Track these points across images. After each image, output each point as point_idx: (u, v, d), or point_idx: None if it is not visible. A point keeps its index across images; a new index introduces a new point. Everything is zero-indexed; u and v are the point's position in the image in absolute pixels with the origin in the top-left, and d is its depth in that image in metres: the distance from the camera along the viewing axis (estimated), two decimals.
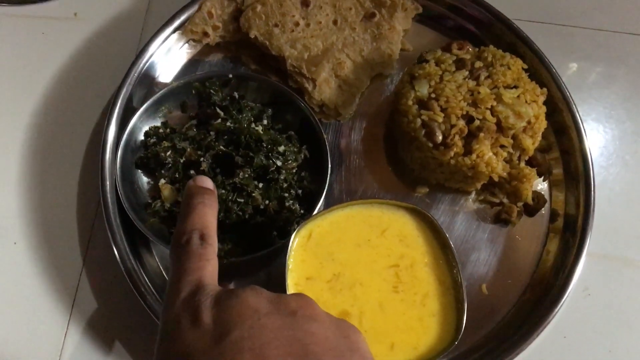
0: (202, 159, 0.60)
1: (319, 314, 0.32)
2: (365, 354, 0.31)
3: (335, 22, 0.70)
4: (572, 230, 0.63)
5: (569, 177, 0.66)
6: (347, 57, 0.70)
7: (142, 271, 0.59)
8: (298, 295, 0.33)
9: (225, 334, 0.29)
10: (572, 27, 0.76)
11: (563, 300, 0.59)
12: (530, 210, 0.65)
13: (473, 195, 0.66)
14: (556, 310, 0.59)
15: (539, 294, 0.61)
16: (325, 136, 0.63)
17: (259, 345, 0.28)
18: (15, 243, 0.63)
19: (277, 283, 0.52)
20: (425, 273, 0.55)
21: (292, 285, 0.53)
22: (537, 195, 0.65)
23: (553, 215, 0.66)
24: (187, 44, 0.71)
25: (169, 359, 0.31)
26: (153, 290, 0.58)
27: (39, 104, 0.69)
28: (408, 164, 0.67)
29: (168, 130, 0.65)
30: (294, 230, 0.54)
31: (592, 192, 0.63)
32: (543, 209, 0.66)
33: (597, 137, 0.70)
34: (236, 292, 0.33)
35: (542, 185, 0.67)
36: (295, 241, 0.54)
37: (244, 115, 0.64)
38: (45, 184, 0.66)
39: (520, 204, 0.65)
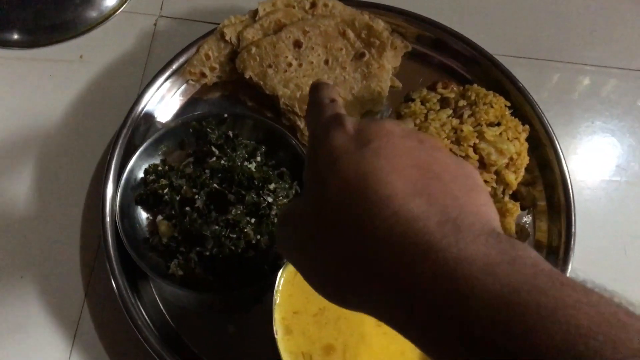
0: (196, 196, 0.64)
1: (443, 148, 0.36)
2: (480, 183, 0.34)
3: (326, 62, 0.74)
4: (554, 262, 0.65)
5: (552, 210, 0.68)
6: (338, 95, 0.73)
7: (139, 305, 0.62)
8: (426, 134, 0.37)
9: (365, 143, 0.33)
10: (558, 62, 0.79)
11: None
12: None
13: None
14: None
15: None
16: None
17: (392, 155, 0.32)
18: (22, 277, 0.66)
19: (268, 317, 0.55)
20: None
21: (280, 319, 0.56)
22: (520, 229, 0.68)
23: (537, 247, 0.68)
24: (186, 84, 0.75)
25: (321, 158, 0.35)
26: (150, 323, 0.61)
27: (45, 142, 0.73)
28: None
29: (166, 167, 0.68)
30: (284, 264, 0.57)
31: (573, 225, 0.65)
32: (527, 241, 0.68)
33: (580, 171, 0.72)
34: (374, 119, 0.37)
35: (526, 218, 0.69)
36: (283, 277, 0.57)
37: (238, 152, 0.67)
38: (50, 219, 0.69)
39: None
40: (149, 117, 0.72)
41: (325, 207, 0.33)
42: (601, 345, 0.22)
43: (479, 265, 0.26)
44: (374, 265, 0.30)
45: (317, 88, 0.43)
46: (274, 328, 0.55)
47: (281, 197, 0.65)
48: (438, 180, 0.31)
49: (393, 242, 0.29)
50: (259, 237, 0.63)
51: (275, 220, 0.64)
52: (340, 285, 0.33)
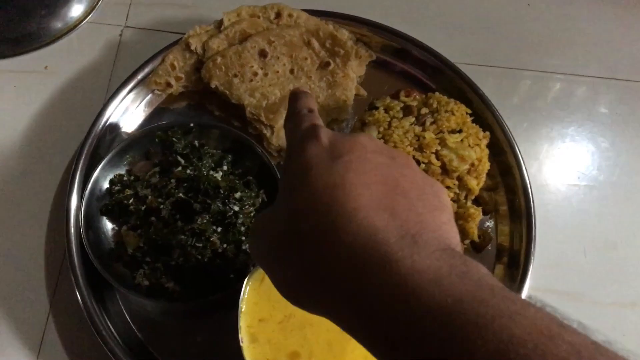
0: (162, 206, 0.64)
1: (413, 165, 0.37)
2: (445, 202, 0.35)
3: (292, 72, 0.74)
4: (516, 265, 0.67)
5: (514, 214, 0.70)
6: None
7: (105, 316, 0.62)
8: (399, 150, 0.39)
9: (338, 156, 0.35)
10: (518, 70, 0.81)
11: None
12: (477, 247, 0.69)
13: None
14: None
15: None
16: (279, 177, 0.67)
17: (362, 170, 0.34)
18: None
19: (234, 325, 0.55)
20: None
21: (245, 327, 0.56)
22: (483, 233, 0.69)
23: (499, 251, 0.69)
24: (151, 94, 0.75)
25: (294, 168, 0.36)
26: (115, 334, 0.61)
27: (9, 153, 0.73)
28: None
29: (132, 178, 0.68)
30: (249, 272, 0.57)
31: (534, 228, 0.67)
32: (489, 245, 0.69)
33: (540, 176, 0.74)
34: (349, 133, 0.38)
35: (489, 223, 0.71)
36: (249, 285, 0.57)
37: (204, 162, 0.68)
38: (15, 230, 0.69)
39: (467, 241, 0.68)
40: (114, 128, 0.72)
41: (294, 216, 0.34)
42: (530, 352, 0.23)
43: (429, 277, 0.27)
44: (335, 275, 0.31)
45: (296, 97, 0.44)
46: (240, 336, 0.55)
47: (247, 206, 0.65)
48: (404, 196, 0.33)
49: (354, 253, 0.30)
50: (225, 245, 0.63)
51: (242, 228, 0.64)
52: (304, 292, 0.34)
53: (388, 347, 0.29)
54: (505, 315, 0.25)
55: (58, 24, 0.80)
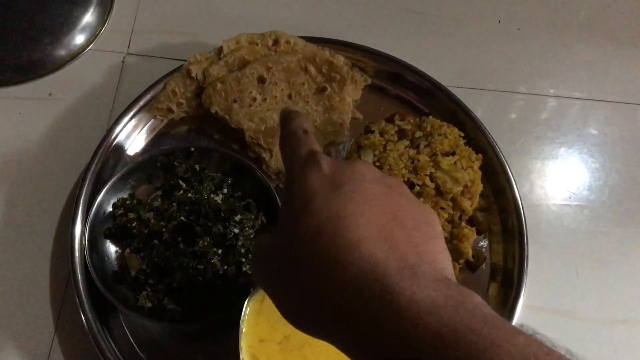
0: (164, 229, 0.65)
1: (408, 193, 0.39)
2: (438, 230, 0.37)
3: (289, 97, 0.77)
4: (509, 284, 0.68)
5: (507, 234, 0.72)
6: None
7: (109, 338, 0.63)
8: (394, 178, 0.40)
9: (339, 185, 0.36)
10: (510, 92, 0.83)
11: None
12: (472, 266, 0.71)
13: None
14: None
15: None
16: (280, 202, 0.69)
17: (362, 200, 0.35)
18: None
19: (236, 345, 0.57)
20: None
21: (246, 347, 0.57)
22: (477, 253, 0.71)
23: (493, 270, 0.71)
24: (153, 119, 0.77)
25: (297, 195, 0.37)
26: (120, 355, 0.63)
27: (14, 179, 0.74)
28: None
29: (135, 201, 0.70)
30: (250, 293, 0.59)
31: (526, 247, 0.69)
32: (484, 264, 0.71)
33: (532, 196, 0.76)
34: (347, 161, 0.40)
35: (483, 242, 0.73)
36: (249, 306, 0.59)
37: (205, 185, 0.70)
38: (20, 255, 0.70)
39: (461, 261, 0.70)
40: (117, 152, 0.74)
41: (297, 244, 0.35)
42: None
43: (426, 307, 0.29)
44: (338, 304, 0.33)
45: (288, 118, 0.46)
46: (241, 357, 0.57)
47: (247, 228, 0.67)
48: (401, 227, 0.35)
49: (356, 283, 0.32)
50: (226, 267, 0.65)
51: (242, 250, 0.66)
52: (306, 317, 0.36)
53: None
54: (495, 344, 0.27)
55: (62, 52, 0.83)
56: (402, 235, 0.34)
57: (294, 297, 0.36)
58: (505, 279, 0.70)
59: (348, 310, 0.32)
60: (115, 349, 0.63)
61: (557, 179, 0.78)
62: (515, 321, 0.66)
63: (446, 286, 0.31)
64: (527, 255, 0.69)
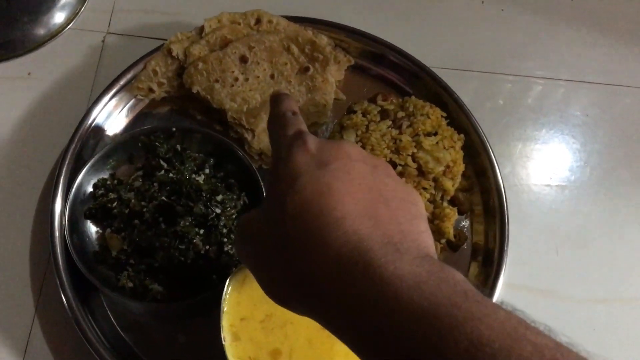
0: (145, 209, 0.65)
1: (393, 173, 0.40)
2: (421, 210, 0.38)
3: (272, 77, 0.76)
4: (490, 263, 0.69)
5: (488, 214, 0.72)
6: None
7: (90, 318, 0.63)
8: (379, 159, 0.41)
9: (326, 164, 0.36)
10: (492, 74, 0.83)
11: None
12: (453, 246, 0.71)
13: None
14: None
15: None
16: (263, 183, 0.69)
17: (348, 178, 0.36)
18: None
19: (217, 325, 0.57)
20: None
21: (227, 326, 0.57)
22: (458, 233, 0.71)
23: (474, 250, 0.71)
24: (134, 100, 0.76)
25: (282, 173, 0.38)
26: (101, 335, 0.62)
27: None
28: None
29: (115, 182, 0.69)
30: (232, 273, 0.59)
31: (507, 227, 0.69)
32: (465, 244, 0.72)
33: (513, 177, 0.77)
34: (334, 140, 0.41)
35: (464, 222, 0.73)
36: (231, 285, 0.59)
37: (187, 165, 0.69)
38: None
39: (443, 240, 0.70)
40: (97, 132, 0.74)
41: (282, 222, 0.36)
42: (497, 352, 0.26)
43: (409, 282, 0.30)
44: (322, 279, 0.33)
45: (278, 99, 0.46)
46: (222, 335, 0.57)
47: (229, 208, 0.67)
48: (386, 206, 0.35)
49: (341, 259, 0.32)
50: (207, 247, 0.65)
51: (224, 230, 0.66)
52: (291, 293, 0.36)
53: (371, 348, 0.31)
54: (475, 318, 0.27)
55: (41, 31, 0.81)
56: (387, 214, 0.35)
57: (277, 273, 0.37)
58: (486, 258, 0.70)
59: (332, 286, 0.32)
60: (97, 329, 0.63)
61: (538, 160, 0.79)
62: (495, 299, 0.66)
63: (428, 263, 0.31)
64: (508, 235, 0.69)
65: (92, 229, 0.69)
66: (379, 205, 0.35)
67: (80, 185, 0.68)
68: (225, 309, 0.58)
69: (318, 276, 0.33)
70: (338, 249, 0.32)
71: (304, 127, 0.42)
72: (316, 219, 0.34)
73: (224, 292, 0.58)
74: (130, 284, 0.64)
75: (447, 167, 0.68)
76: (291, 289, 0.36)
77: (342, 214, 0.33)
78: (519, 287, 0.71)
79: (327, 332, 0.58)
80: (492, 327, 0.27)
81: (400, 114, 0.70)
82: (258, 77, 0.76)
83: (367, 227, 0.33)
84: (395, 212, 0.35)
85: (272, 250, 0.37)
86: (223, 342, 0.57)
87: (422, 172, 0.68)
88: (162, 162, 0.69)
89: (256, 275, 0.40)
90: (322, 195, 0.34)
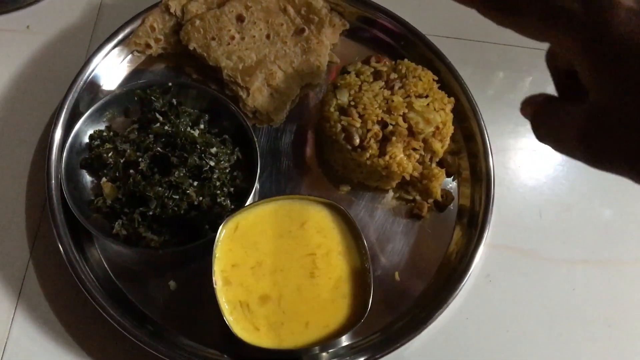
0: (140, 159, 0.66)
1: None
2: None
3: (268, 37, 0.77)
4: (474, 224, 0.71)
5: (475, 177, 0.74)
6: (279, 68, 0.76)
7: (84, 263, 0.65)
8: None
9: None
10: (484, 42, 0.85)
11: (463, 283, 0.67)
12: (440, 206, 0.73)
13: (390, 193, 0.74)
14: (457, 292, 0.66)
15: (444, 279, 0.69)
16: (256, 139, 0.70)
17: None
18: None
19: (208, 272, 0.59)
20: (339, 260, 0.62)
21: (219, 271, 0.59)
22: (445, 193, 0.73)
23: (460, 211, 0.73)
24: (131, 55, 0.77)
25: None
26: (94, 280, 0.64)
27: None
28: (332, 165, 0.74)
29: (111, 133, 0.71)
30: (224, 221, 0.61)
31: (492, 190, 0.72)
32: (451, 205, 0.73)
33: (500, 141, 0.78)
34: None
35: (452, 184, 0.75)
36: (223, 232, 0.61)
37: (182, 120, 0.70)
38: None
39: (430, 200, 0.72)
40: (94, 86, 0.75)
41: None
42: None
43: None
44: None
45: None
46: (214, 279, 0.59)
47: (223, 162, 0.68)
48: None
49: None
50: (200, 198, 0.66)
51: (217, 183, 0.67)
52: None
53: None
54: None
55: None
56: None
57: None
58: (471, 219, 0.72)
59: None
60: (91, 274, 0.65)
61: (526, 126, 0.80)
62: (478, 258, 0.68)
63: None
64: (493, 198, 0.71)
65: (88, 178, 0.70)
66: None
67: (77, 136, 0.69)
68: (217, 254, 0.60)
69: None
70: None
71: None
72: None
73: (216, 239, 0.60)
74: (124, 232, 0.65)
75: (437, 128, 0.70)
76: None
77: None
78: (502, 247, 0.73)
79: (315, 280, 0.61)
80: None
81: (393, 76, 0.72)
82: (254, 36, 0.77)
83: None
84: None
85: None
86: (214, 286, 0.58)
87: (412, 132, 0.69)
88: (157, 115, 0.70)
89: None
90: None
